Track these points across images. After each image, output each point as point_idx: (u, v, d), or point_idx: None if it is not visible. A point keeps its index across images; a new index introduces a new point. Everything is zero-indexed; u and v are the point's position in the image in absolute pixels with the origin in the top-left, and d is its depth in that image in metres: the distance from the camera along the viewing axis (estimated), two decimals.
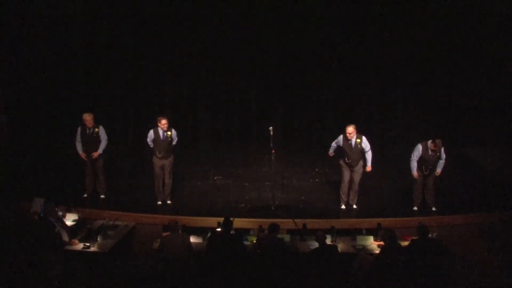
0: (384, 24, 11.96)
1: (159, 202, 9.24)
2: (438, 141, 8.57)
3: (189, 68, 12.55)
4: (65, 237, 7.44)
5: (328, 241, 7.38)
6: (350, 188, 9.10)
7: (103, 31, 12.05)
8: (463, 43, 11.84)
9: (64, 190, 9.65)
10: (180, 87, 12.71)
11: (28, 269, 6.58)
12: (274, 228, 7.16)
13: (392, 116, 12.69)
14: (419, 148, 8.73)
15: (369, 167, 8.90)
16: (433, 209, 8.89)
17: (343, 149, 8.89)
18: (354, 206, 9.12)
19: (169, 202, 9.29)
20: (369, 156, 8.86)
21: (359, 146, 8.79)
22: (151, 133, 9.04)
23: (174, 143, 9.18)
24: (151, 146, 9.10)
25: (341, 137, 8.90)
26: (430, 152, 8.66)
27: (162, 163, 9.09)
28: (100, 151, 9.21)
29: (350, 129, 8.75)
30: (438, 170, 8.80)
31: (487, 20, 11.59)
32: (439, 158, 8.71)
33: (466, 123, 12.22)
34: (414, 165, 8.80)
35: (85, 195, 9.38)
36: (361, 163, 8.94)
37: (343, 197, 9.16)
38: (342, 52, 12.27)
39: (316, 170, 11.20)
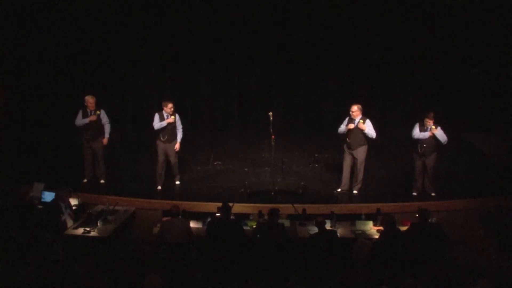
0: (385, 8, 11.90)
1: (159, 187, 9.23)
2: (430, 113, 8.61)
3: (188, 53, 12.51)
4: (70, 225, 7.48)
5: (328, 226, 7.41)
6: (352, 174, 9.10)
7: (104, 14, 11.99)
8: (465, 28, 11.78)
9: (64, 174, 9.66)
10: (180, 72, 12.68)
11: (28, 253, 6.60)
12: (274, 213, 7.17)
13: (392, 101, 12.67)
14: (416, 126, 8.75)
15: (364, 125, 8.74)
16: (432, 194, 8.91)
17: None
18: (355, 192, 9.12)
19: (177, 182, 9.36)
20: (372, 132, 8.77)
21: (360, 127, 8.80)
22: (156, 117, 9.02)
23: (179, 129, 9.12)
24: (157, 128, 9.00)
25: (347, 118, 8.92)
26: (425, 129, 8.67)
27: (165, 147, 9.09)
28: (107, 135, 9.25)
29: (354, 108, 8.78)
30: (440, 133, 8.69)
31: (489, 5, 11.52)
32: (434, 137, 8.67)
33: (466, 108, 12.20)
34: (418, 135, 8.69)
35: (85, 180, 9.38)
36: (362, 148, 8.92)
37: (342, 183, 9.18)
38: (342, 36, 12.23)
39: (316, 155, 11.20)
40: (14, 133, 11.34)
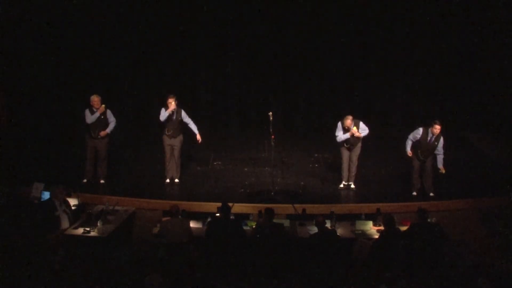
0: (385, 8, 11.90)
1: (167, 180, 9.38)
2: (437, 122, 8.59)
3: (188, 53, 12.51)
4: (65, 224, 7.47)
5: (328, 226, 7.40)
6: (349, 167, 9.20)
7: (104, 13, 11.98)
8: (466, 28, 11.78)
9: (64, 174, 9.65)
10: (180, 72, 12.68)
11: (28, 253, 6.60)
12: (269, 213, 7.17)
13: (392, 100, 12.67)
14: (419, 131, 8.76)
15: (358, 132, 8.87)
16: (431, 194, 8.91)
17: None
18: (352, 186, 9.23)
19: (177, 180, 9.41)
20: (365, 132, 8.94)
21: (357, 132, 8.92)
22: (163, 111, 9.13)
23: (190, 123, 9.26)
24: (163, 119, 9.11)
25: (339, 124, 8.97)
26: (429, 138, 8.66)
27: (171, 142, 9.24)
28: (108, 131, 9.25)
29: (348, 122, 8.89)
30: (440, 166, 8.71)
31: (490, 5, 11.52)
32: (436, 146, 8.67)
33: (466, 108, 12.20)
34: (408, 143, 8.83)
35: (85, 181, 9.37)
36: (359, 144, 9.06)
37: (343, 176, 9.28)
38: (342, 36, 12.22)
39: (316, 155, 11.21)
40: (14, 133, 11.33)
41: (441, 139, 8.69)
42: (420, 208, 7.24)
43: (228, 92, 12.88)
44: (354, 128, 8.88)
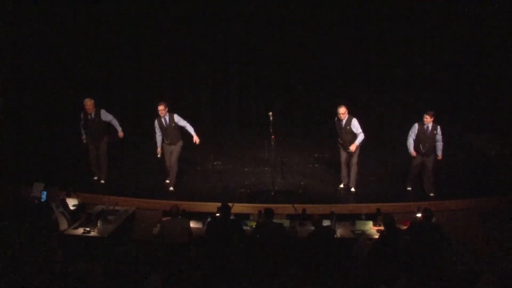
0: (385, 7, 11.91)
1: (167, 180, 9.32)
2: (428, 112, 8.64)
3: (188, 53, 12.51)
4: (63, 225, 7.46)
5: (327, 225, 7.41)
6: (348, 170, 9.16)
7: (103, 14, 11.99)
8: (466, 27, 11.77)
9: (64, 175, 9.66)
10: (179, 72, 12.69)
11: (28, 253, 6.60)
12: (269, 213, 7.17)
13: (392, 100, 12.67)
14: (416, 126, 8.80)
15: (354, 145, 8.81)
16: (431, 194, 8.90)
17: (336, 130, 9.00)
18: (352, 189, 9.18)
19: (171, 189, 9.17)
20: (359, 138, 8.82)
21: (348, 127, 8.81)
22: (156, 122, 9.05)
23: (186, 125, 9.08)
24: (158, 135, 9.06)
25: (336, 117, 8.98)
26: (425, 128, 8.68)
27: (171, 149, 9.13)
28: (119, 129, 9.21)
29: (342, 110, 8.81)
30: (439, 153, 8.75)
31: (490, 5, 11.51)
32: (435, 136, 8.70)
33: (466, 108, 12.20)
34: (410, 141, 8.84)
35: (95, 178, 9.42)
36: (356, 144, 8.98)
37: (342, 177, 9.26)
38: (341, 34, 12.22)
39: (316, 155, 11.21)
40: (14, 133, 11.33)
41: (438, 128, 8.71)
42: (425, 208, 7.24)
43: (228, 92, 12.87)
44: (350, 149, 8.78)
